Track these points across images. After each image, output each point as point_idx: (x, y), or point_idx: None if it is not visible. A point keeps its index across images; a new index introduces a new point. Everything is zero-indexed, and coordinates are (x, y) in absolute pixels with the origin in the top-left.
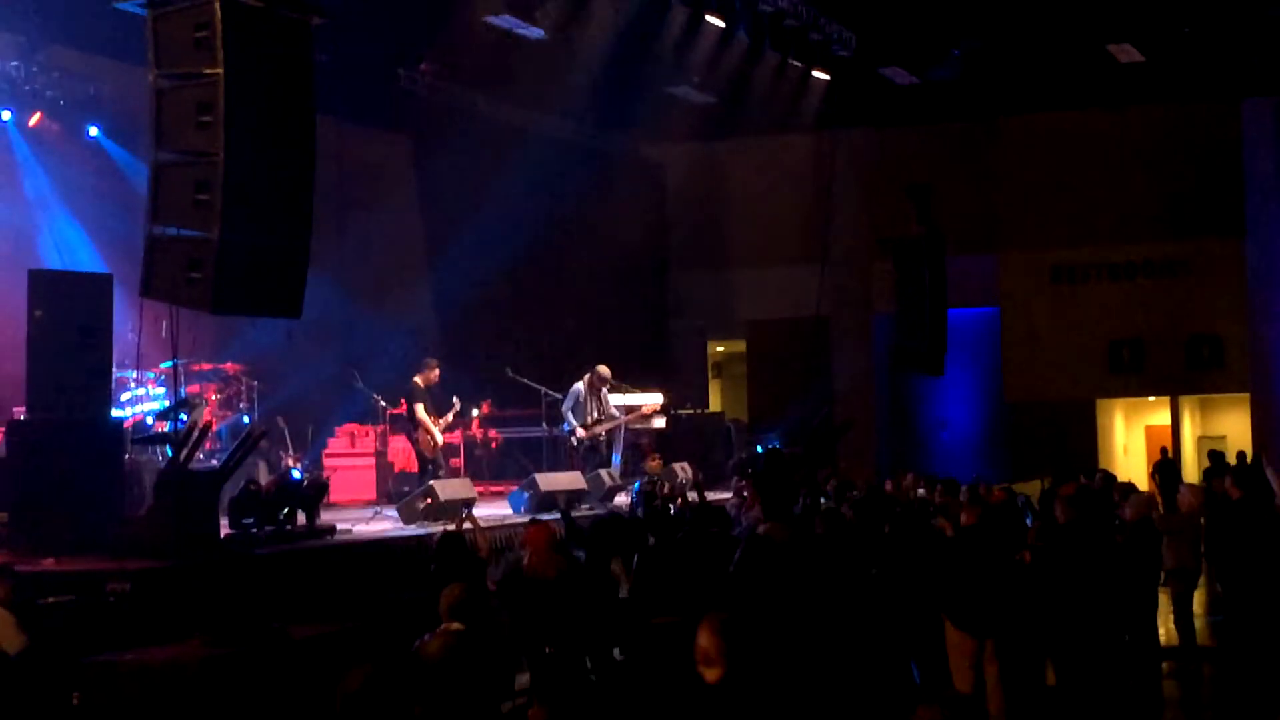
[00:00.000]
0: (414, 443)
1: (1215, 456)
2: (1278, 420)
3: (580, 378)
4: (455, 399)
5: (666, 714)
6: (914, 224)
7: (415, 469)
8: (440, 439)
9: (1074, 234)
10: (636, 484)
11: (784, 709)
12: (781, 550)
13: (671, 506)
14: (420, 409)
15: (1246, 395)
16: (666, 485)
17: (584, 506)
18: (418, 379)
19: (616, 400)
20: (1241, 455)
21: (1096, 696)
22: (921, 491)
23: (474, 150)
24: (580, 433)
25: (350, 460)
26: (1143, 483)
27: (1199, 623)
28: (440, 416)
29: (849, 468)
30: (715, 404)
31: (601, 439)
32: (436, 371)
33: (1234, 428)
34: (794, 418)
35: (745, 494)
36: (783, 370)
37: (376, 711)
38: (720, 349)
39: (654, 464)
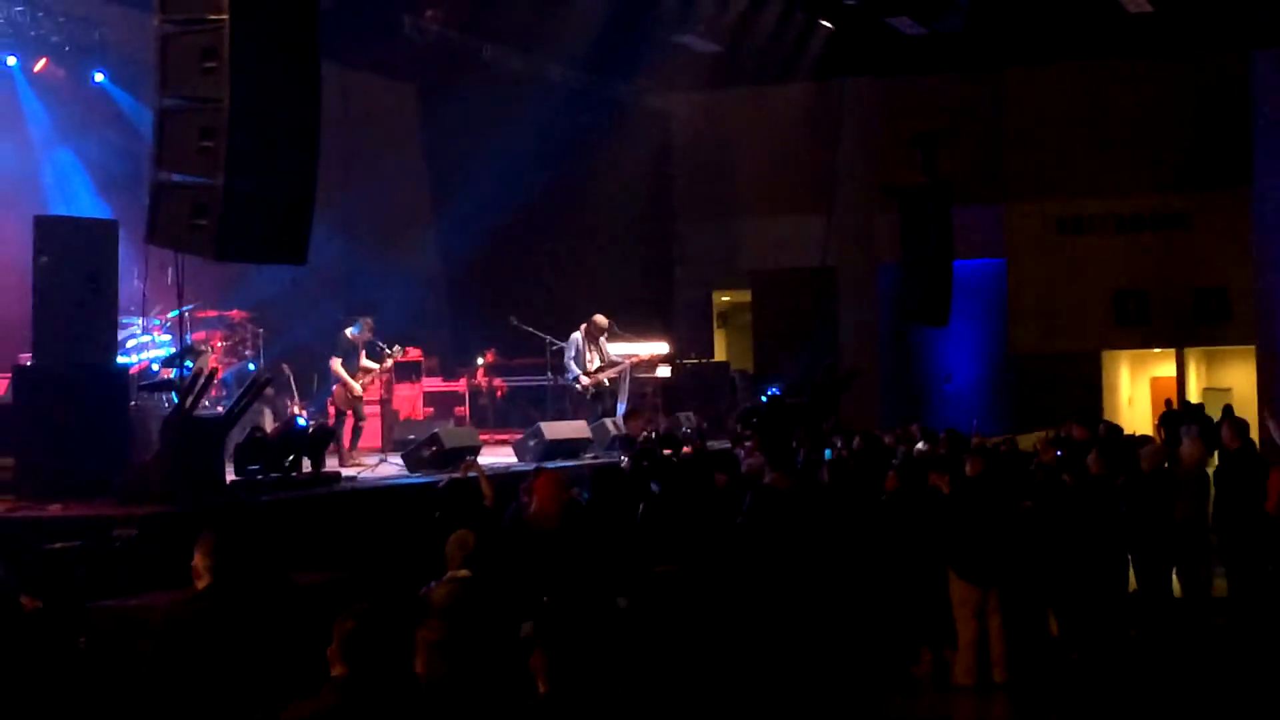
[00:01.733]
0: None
1: (1228, 411)
2: None
3: (578, 327)
4: (393, 347)
5: (667, 660)
6: (919, 174)
7: (421, 416)
8: (359, 390)
9: (1080, 185)
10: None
11: (794, 654)
12: (788, 500)
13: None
14: (336, 363)
15: (1253, 347)
16: (651, 431)
17: (588, 455)
18: (348, 332)
19: (620, 349)
20: (1228, 409)
21: (1100, 647)
22: (921, 445)
23: (479, 99)
24: (584, 380)
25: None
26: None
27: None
28: (378, 363)
29: (852, 419)
30: (720, 354)
31: (606, 386)
32: (370, 330)
33: (1240, 380)
34: (799, 368)
35: (748, 443)
36: (787, 320)
37: (374, 647)
38: (725, 299)
39: (635, 424)
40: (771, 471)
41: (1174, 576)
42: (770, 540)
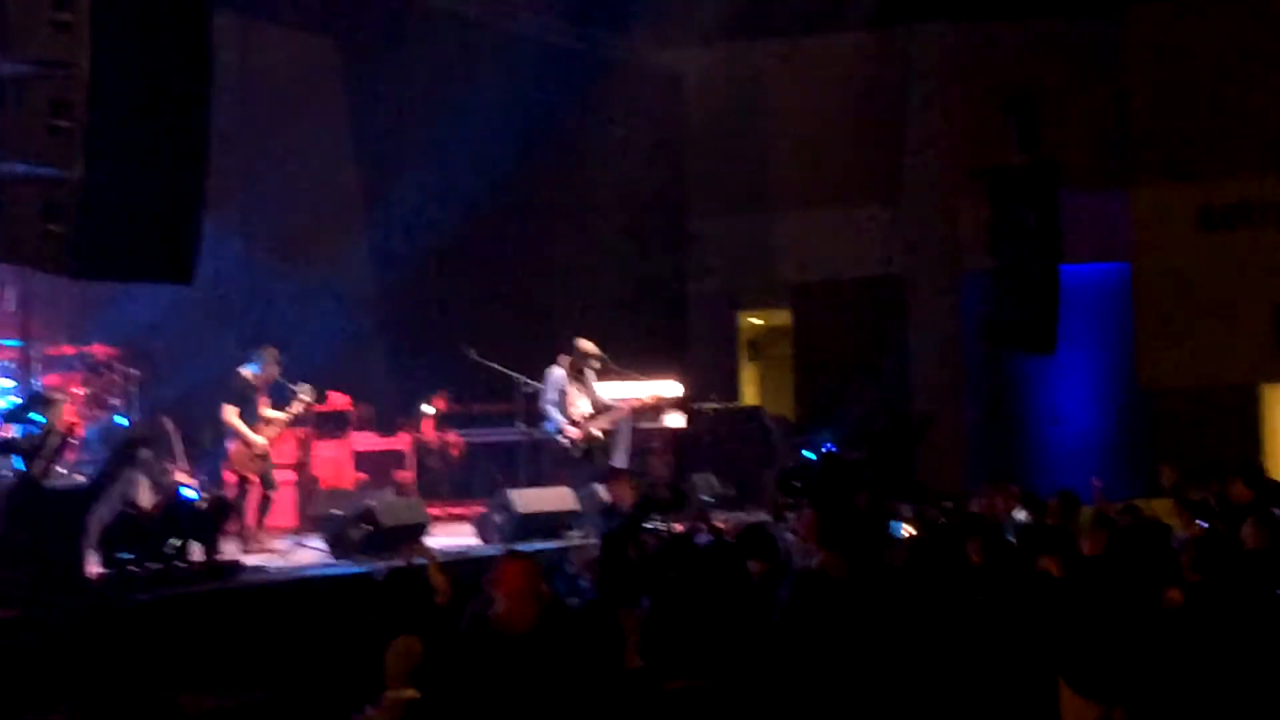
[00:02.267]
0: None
1: None
2: None
3: (559, 358)
4: (301, 385)
5: None
6: (1015, 150)
7: (350, 484)
8: (263, 447)
9: (1230, 162)
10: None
11: None
12: (842, 589)
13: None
14: (231, 412)
15: None
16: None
17: (575, 533)
18: (245, 371)
19: (616, 390)
20: None
21: None
22: (1022, 515)
23: (424, 59)
24: (571, 432)
25: None
26: None
27: None
28: (283, 410)
29: (929, 479)
30: (750, 395)
31: (599, 440)
32: (275, 366)
33: None
34: (856, 413)
35: (797, 520)
36: (840, 349)
37: None
38: (756, 322)
39: (622, 487)
40: (820, 551)
41: None
42: (818, 643)
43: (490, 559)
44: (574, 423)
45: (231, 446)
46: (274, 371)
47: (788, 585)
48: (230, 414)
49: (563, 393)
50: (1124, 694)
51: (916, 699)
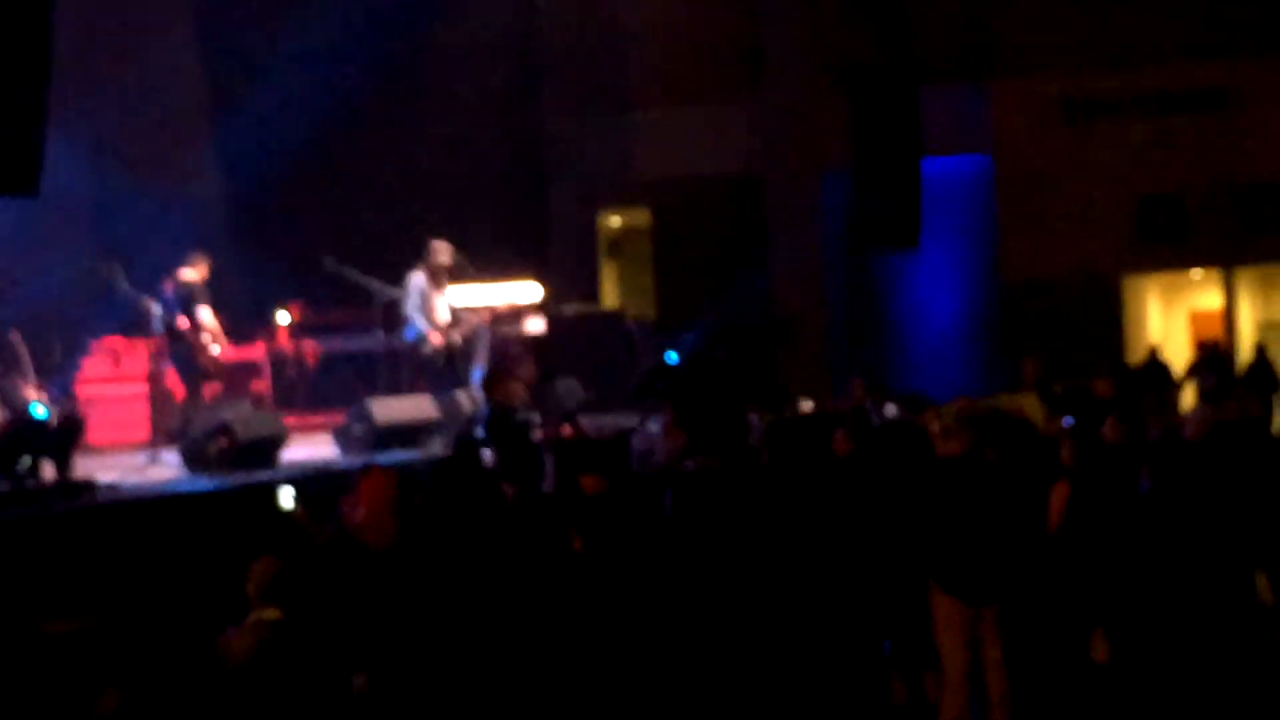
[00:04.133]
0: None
1: (1260, 353)
2: None
3: (417, 264)
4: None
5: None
6: (874, 47)
7: (205, 397)
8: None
9: (1091, 55)
10: (482, 409)
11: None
12: (724, 485)
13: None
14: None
15: None
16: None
17: (436, 442)
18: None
19: (472, 295)
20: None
21: (1143, 675)
22: (892, 409)
23: None
24: (435, 339)
25: (114, 388)
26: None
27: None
28: None
29: (791, 379)
30: (610, 297)
31: (458, 346)
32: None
33: None
34: (717, 313)
35: (657, 417)
36: (701, 249)
37: None
38: (616, 222)
39: (510, 386)
40: (695, 454)
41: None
42: (705, 540)
43: (350, 471)
44: (437, 329)
45: None
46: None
47: (670, 490)
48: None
49: (424, 297)
50: (995, 594)
51: (794, 589)
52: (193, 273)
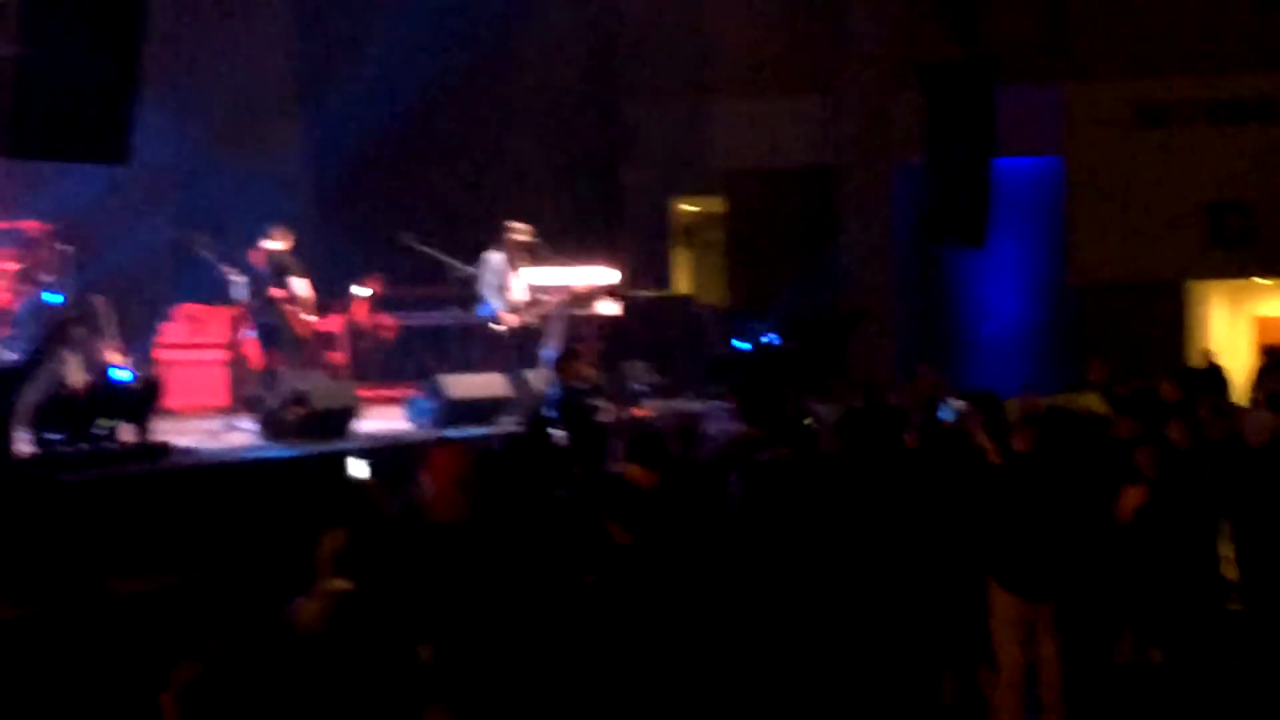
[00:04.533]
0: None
1: None
2: None
3: (495, 244)
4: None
5: (606, 697)
6: (951, 43)
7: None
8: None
9: (1167, 60)
10: (552, 389)
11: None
12: (793, 477)
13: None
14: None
15: None
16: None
17: (507, 420)
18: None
19: (548, 277)
20: None
21: (1203, 679)
22: (959, 403)
23: None
24: (508, 318)
25: (194, 354)
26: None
27: None
28: None
29: (858, 372)
30: (681, 283)
31: (532, 327)
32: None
33: None
34: (787, 303)
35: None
36: (773, 238)
37: (224, 703)
38: (690, 209)
39: (580, 367)
40: (765, 444)
41: None
42: (771, 531)
43: (421, 444)
44: (512, 309)
45: None
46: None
47: (734, 478)
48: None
49: (501, 278)
50: (1054, 592)
51: (855, 584)
52: (278, 244)
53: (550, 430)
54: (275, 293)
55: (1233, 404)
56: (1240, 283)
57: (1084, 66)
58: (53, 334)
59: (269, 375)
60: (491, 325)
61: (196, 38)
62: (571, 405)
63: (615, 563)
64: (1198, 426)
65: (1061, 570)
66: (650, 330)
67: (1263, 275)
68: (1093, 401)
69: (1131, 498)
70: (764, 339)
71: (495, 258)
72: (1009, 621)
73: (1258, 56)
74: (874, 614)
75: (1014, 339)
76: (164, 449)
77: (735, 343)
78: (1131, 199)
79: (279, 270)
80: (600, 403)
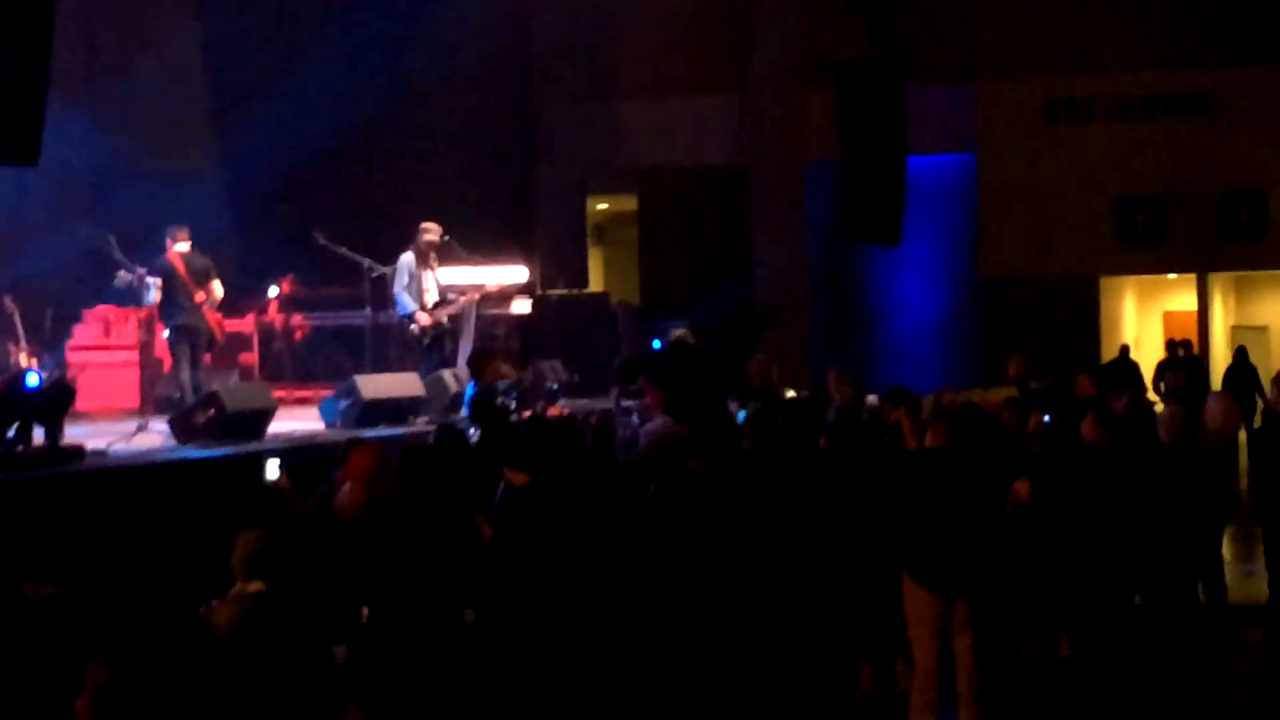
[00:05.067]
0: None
1: (1240, 355)
2: None
3: (408, 244)
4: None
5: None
6: (864, 42)
7: None
8: None
9: (1077, 59)
10: (469, 389)
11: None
12: (705, 487)
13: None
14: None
15: None
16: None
17: (421, 419)
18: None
19: (461, 276)
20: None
21: (1115, 673)
22: (873, 399)
23: None
24: (423, 319)
25: (105, 356)
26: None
27: (1233, 574)
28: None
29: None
30: (596, 281)
31: (446, 327)
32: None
33: (1278, 315)
34: (701, 300)
35: (635, 401)
36: (686, 236)
37: (139, 706)
38: (602, 207)
39: (498, 366)
40: (691, 441)
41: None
42: (690, 533)
43: (335, 444)
44: (425, 308)
45: None
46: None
47: (652, 488)
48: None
49: (413, 278)
50: (967, 586)
51: (772, 588)
52: (183, 245)
53: (463, 433)
54: (196, 294)
55: (1147, 399)
56: (1150, 278)
57: (995, 64)
58: None
59: (181, 377)
60: (405, 325)
61: (109, 41)
62: (487, 404)
63: (480, 556)
64: (1111, 420)
65: (973, 565)
66: (564, 328)
67: (1172, 271)
68: (1006, 398)
69: (1018, 489)
70: (677, 333)
71: (407, 258)
72: (923, 616)
73: (1168, 53)
74: (790, 609)
75: (928, 335)
76: (77, 452)
77: (651, 343)
78: (1042, 195)
79: (193, 272)
80: (515, 402)
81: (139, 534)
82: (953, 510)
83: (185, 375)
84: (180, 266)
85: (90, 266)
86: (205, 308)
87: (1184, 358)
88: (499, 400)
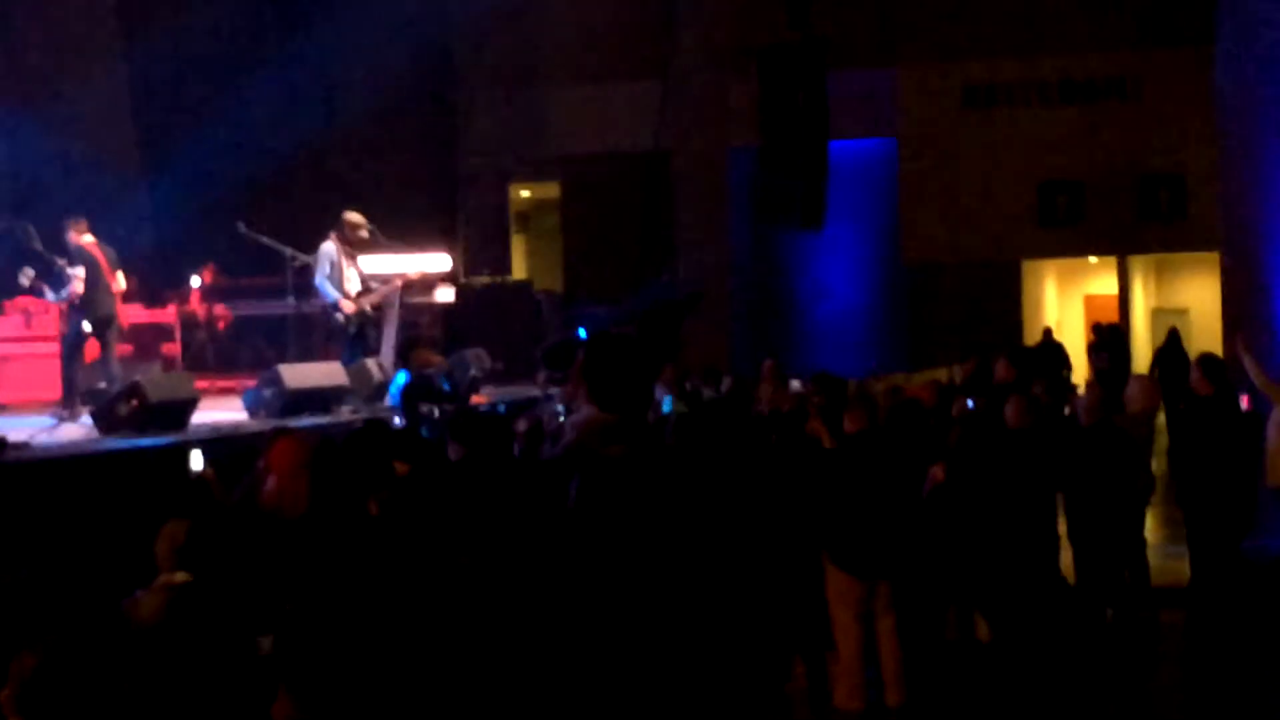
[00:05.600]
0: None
1: (1173, 336)
2: (1254, 288)
3: (330, 232)
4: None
5: (459, 684)
6: (784, 28)
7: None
8: None
9: (996, 42)
10: (399, 378)
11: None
12: (627, 472)
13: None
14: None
15: (1215, 255)
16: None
17: (345, 409)
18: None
19: (384, 264)
20: (1173, 334)
21: (1037, 655)
22: (795, 384)
23: None
24: (347, 307)
25: (24, 347)
26: (1078, 369)
27: (1156, 556)
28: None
29: (696, 355)
30: (519, 269)
31: (369, 315)
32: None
33: (1198, 297)
34: (624, 287)
35: (557, 388)
36: (609, 223)
37: (63, 698)
38: (525, 194)
39: (427, 355)
40: (616, 430)
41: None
42: (606, 530)
43: (259, 434)
44: (348, 297)
45: None
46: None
47: (576, 479)
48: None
49: (335, 266)
50: (887, 570)
51: (699, 576)
52: (87, 236)
53: (389, 423)
54: (113, 284)
55: (1068, 382)
56: (1071, 261)
57: (916, 48)
58: None
59: (110, 368)
60: (329, 314)
61: (23, 23)
62: (417, 392)
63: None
64: (1033, 404)
65: (893, 548)
66: (488, 316)
67: (1092, 254)
68: (926, 381)
69: (934, 475)
70: (596, 323)
71: (328, 247)
72: (844, 599)
73: (1086, 37)
74: (717, 599)
75: (852, 320)
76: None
77: (577, 332)
78: (963, 180)
79: (110, 260)
80: (449, 389)
81: (63, 525)
82: (871, 494)
83: (114, 366)
84: (99, 255)
85: (9, 257)
86: (116, 296)
87: (1109, 340)
88: (430, 388)
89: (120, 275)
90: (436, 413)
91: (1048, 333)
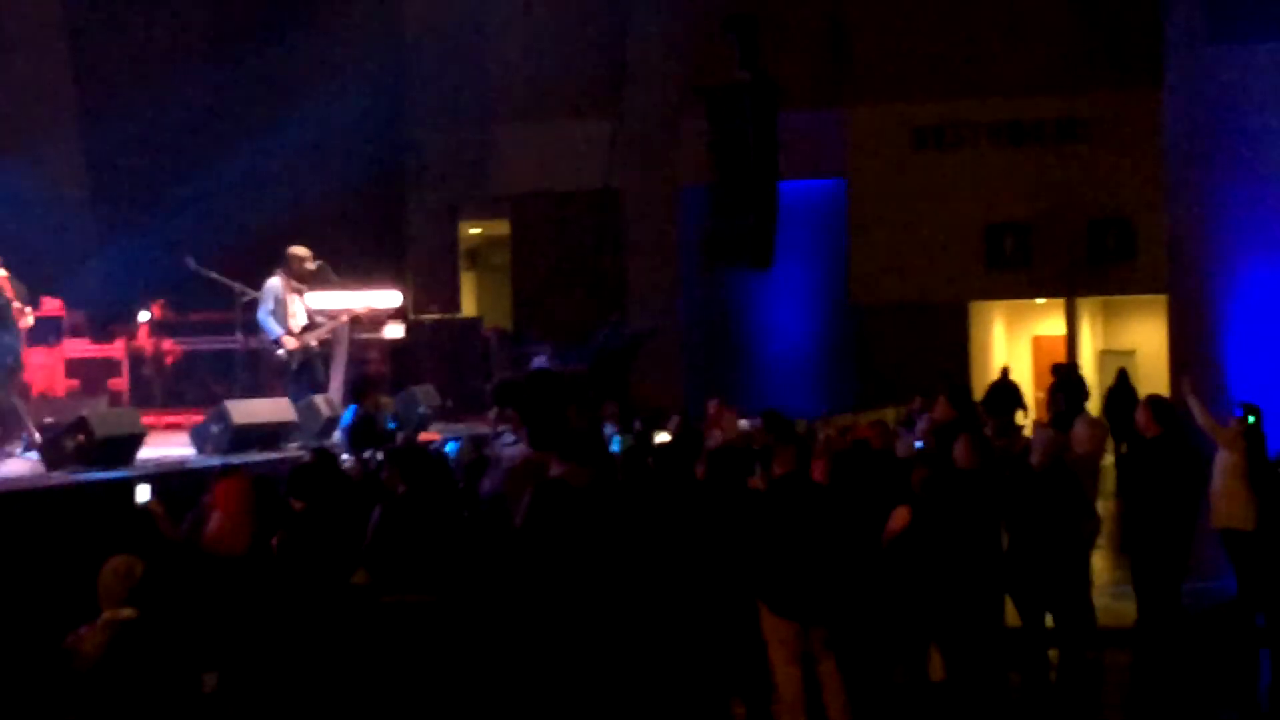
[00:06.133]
0: None
1: (1122, 377)
2: (1201, 330)
3: (277, 268)
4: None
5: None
6: (735, 68)
7: (62, 393)
8: None
9: (945, 84)
10: (347, 415)
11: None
12: (583, 500)
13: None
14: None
15: (1162, 298)
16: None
17: (292, 445)
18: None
19: (331, 300)
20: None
21: (985, 695)
22: (744, 423)
23: None
24: (290, 343)
25: None
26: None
27: (1101, 597)
28: None
29: (644, 394)
30: (469, 306)
31: (316, 351)
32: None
33: (1146, 339)
34: (574, 325)
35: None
36: (558, 261)
37: None
38: (475, 231)
39: (379, 396)
40: (562, 462)
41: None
42: (561, 555)
43: (206, 470)
44: (292, 333)
45: None
46: None
47: (529, 498)
48: None
49: (280, 302)
50: (823, 614)
51: (643, 611)
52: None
53: (338, 459)
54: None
55: (1016, 423)
56: (1019, 303)
57: (865, 89)
58: None
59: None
60: (275, 350)
61: None
62: (360, 434)
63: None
64: (982, 444)
65: (828, 592)
66: (437, 353)
67: (1040, 295)
68: (878, 421)
69: (897, 518)
70: (538, 363)
71: (274, 282)
72: (780, 643)
73: (1035, 80)
74: (657, 644)
75: (801, 359)
76: None
77: (527, 365)
78: (911, 220)
79: (20, 297)
80: (396, 428)
81: (6, 560)
82: (801, 536)
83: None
84: (10, 291)
85: None
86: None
87: (1067, 381)
88: (380, 428)
89: (29, 312)
90: (380, 456)
91: (1004, 372)
